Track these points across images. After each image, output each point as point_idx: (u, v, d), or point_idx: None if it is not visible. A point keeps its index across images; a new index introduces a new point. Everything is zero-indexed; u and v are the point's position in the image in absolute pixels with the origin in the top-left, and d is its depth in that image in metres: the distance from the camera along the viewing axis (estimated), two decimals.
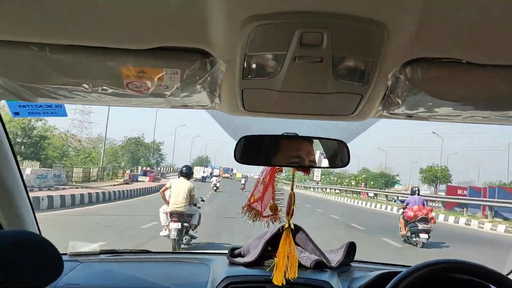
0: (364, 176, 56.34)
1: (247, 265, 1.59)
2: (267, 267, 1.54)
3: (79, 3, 0.67)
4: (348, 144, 1.34)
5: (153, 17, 0.70)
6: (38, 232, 1.54)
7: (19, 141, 28.24)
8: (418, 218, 9.56)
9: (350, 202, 29.40)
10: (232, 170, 66.81)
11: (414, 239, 9.70)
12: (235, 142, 1.30)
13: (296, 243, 1.56)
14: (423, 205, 9.90)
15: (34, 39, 0.77)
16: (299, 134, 1.33)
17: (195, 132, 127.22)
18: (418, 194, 10.22)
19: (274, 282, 1.39)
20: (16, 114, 1.40)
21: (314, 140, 1.37)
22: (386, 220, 15.84)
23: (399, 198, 24.61)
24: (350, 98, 0.97)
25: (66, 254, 1.72)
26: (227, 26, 0.71)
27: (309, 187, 48.66)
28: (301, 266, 1.51)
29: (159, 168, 53.25)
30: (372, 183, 51.33)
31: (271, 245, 1.61)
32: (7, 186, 1.31)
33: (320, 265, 1.60)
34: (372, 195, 32.51)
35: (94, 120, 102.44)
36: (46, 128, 31.17)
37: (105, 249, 1.84)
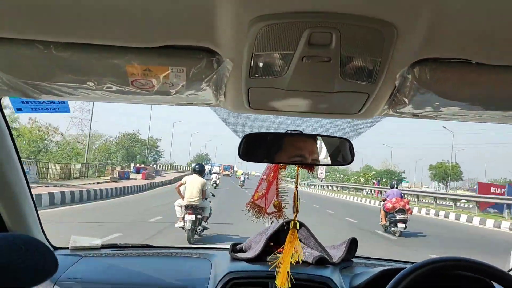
0: (373, 173, 56.05)
1: (249, 260, 1.65)
2: (269, 263, 1.59)
3: (84, 1, 0.69)
4: (352, 142, 1.38)
5: (159, 15, 0.72)
6: (40, 229, 1.62)
7: None
8: (396, 210, 10.90)
9: (362, 201, 27.96)
10: (232, 167, 67.07)
11: (392, 228, 11.05)
12: (236, 139, 1.35)
13: (298, 239, 1.61)
14: (401, 197, 11.27)
15: (39, 37, 0.79)
16: (303, 132, 1.37)
17: (194, 128, 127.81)
18: (397, 188, 11.95)
19: (277, 284, 1.43)
20: (19, 110, 1.45)
21: (318, 137, 1.41)
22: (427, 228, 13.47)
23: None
24: (356, 97, 0.99)
25: (67, 248, 1.80)
26: (235, 25, 0.73)
27: (313, 185, 48.54)
28: (303, 262, 1.57)
29: (155, 166, 53.01)
30: (384, 180, 50.81)
31: (273, 241, 1.68)
32: (10, 184, 1.36)
33: (322, 261, 1.66)
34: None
35: (94, 118, 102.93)
36: (13, 118, 27.33)
37: (107, 243, 1.91)
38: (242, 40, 0.77)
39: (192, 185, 7.41)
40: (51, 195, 13.58)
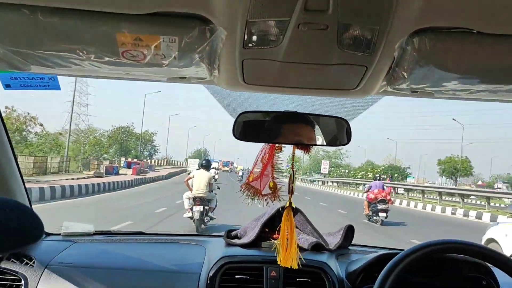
0: (382, 167, 55.92)
1: (244, 246, 1.70)
2: (264, 249, 1.65)
3: None
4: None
5: None
6: (28, 204, 1.69)
7: None
8: (378, 200, 12.36)
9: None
10: (232, 163, 67.40)
11: (374, 217, 12.46)
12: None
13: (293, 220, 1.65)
14: (383, 188, 12.67)
15: (25, 1, 0.79)
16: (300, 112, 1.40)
17: (191, 123, 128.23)
18: (379, 180, 13.61)
19: (280, 264, 1.48)
20: (8, 86, 1.46)
21: (314, 117, 1.45)
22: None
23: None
24: (354, 70, 0.99)
25: (59, 234, 1.85)
26: None
27: (315, 181, 48.45)
28: (298, 248, 1.59)
29: (149, 160, 52.98)
30: (395, 175, 50.41)
31: (269, 227, 1.73)
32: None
33: (318, 247, 1.72)
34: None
35: (91, 113, 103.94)
36: None
37: (99, 230, 1.96)
38: (235, 6, 0.78)
39: (199, 179, 8.49)
40: None
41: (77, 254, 1.67)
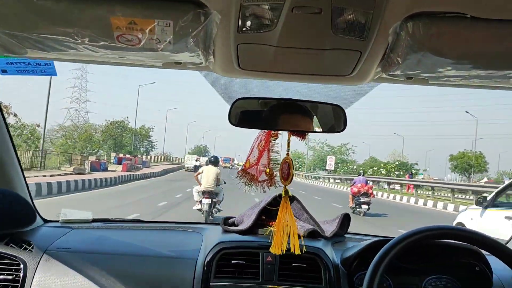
0: (397, 163, 55.58)
1: (240, 233, 1.80)
2: (260, 235, 1.74)
3: None
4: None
5: None
6: (28, 194, 1.79)
7: None
8: (360, 193, 14.12)
9: (394, 199, 25.70)
10: (233, 160, 67.73)
11: (357, 209, 14.18)
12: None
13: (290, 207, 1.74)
14: (366, 183, 14.47)
15: None
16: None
17: (191, 118, 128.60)
18: (363, 175, 15.33)
19: (271, 251, 1.58)
20: (4, 72, 1.54)
21: (310, 104, 1.53)
22: None
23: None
24: (348, 55, 1.04)
25: (58, 221, 1.96)
26: None
27: (318, 177, 48.20)
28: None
29: (144, 156, 52.70)
30: (414, 171, 49.48)
31: (265, 214, 1.82)
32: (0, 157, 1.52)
33: (314, 234, 1.81)
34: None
35: (91, 109, 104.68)
36: None
37: (97, 217, 2.07)
38: None
39: (208, 174, 9.79)
40: None
41: (76, 240, 1.78)
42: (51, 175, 20.64)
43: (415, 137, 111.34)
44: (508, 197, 8.96)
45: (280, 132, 1.66)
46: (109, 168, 31.24)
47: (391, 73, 1.14)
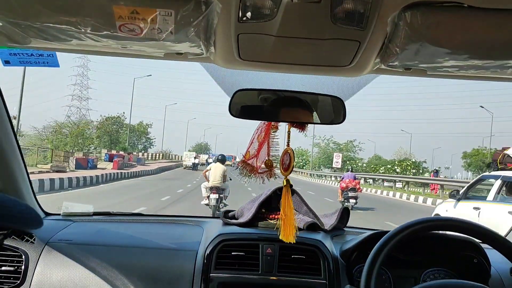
0: (413, 160, 54.45)
1: (240, 225, 1.90)
2: (260, 228, 1.84)
3: None
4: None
5: None
6: (32, 194, 1.93)
7: None
8: (349, 188, 15.53)
9: (418, 201, 23.06)
10: (235, 158, 67.87)
11: (346, 204, 15.32)
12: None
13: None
14: (354, 178, 15.97)
15: None
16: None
17: (191, 115, 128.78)
18: (352, 171, 17.16)
19: (283, 239, 1.67)
20: (7, 63, 1.62)
21: (310, 96, 1.61)
22: None
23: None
24: (347, 45, 1.10)
25: (59, 214, 2.07)
26: None
27: (323, 175, 47.60)
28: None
29: (139, 153, 52.73)
30: (441, 169, 48.27)
31: (265, 207, 1.92)
32: (4, 152, 1.62)
33: (314, 227, 1.91)
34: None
35: (92, 107, 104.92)
36: None
37: (99, 211, 2.18)
38: None
39: (215, 171, 10.98)
40: None
41: (77, 232, 1.88)
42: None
43: (421, 135, 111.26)
44: (478, 191, 10.25)
45: (280, 123, 1.75)
46: (98, 166, 30.43)
47: (390, 63, 1.19)
